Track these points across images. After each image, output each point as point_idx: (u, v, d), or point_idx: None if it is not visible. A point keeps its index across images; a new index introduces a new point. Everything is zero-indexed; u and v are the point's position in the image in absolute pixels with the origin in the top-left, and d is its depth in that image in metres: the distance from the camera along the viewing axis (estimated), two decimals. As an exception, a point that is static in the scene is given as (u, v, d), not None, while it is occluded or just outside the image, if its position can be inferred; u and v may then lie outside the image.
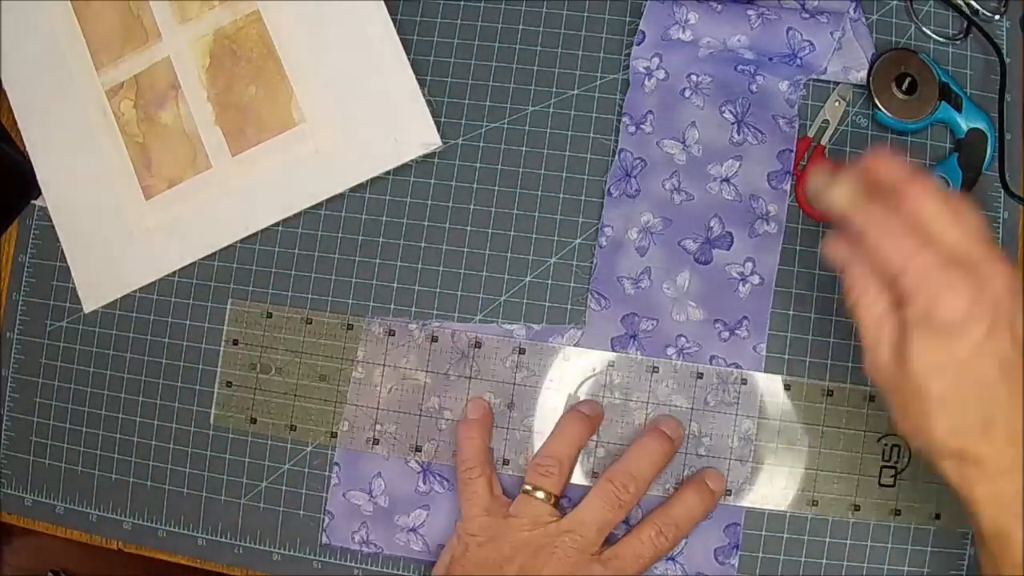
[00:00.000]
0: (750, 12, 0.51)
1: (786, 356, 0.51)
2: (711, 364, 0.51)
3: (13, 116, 0.57)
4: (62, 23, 0.56)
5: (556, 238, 0.53)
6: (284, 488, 0.54)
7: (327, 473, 0.53)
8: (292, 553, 0.53)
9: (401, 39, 0.53)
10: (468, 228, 0.54)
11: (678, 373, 0.51)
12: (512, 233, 0.53)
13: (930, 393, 0.38)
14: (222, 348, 0.55)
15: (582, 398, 0.52)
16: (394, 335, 0.53)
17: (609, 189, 0.53)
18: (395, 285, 0.54)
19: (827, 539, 0.50)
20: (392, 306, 0.54)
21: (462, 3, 0.55)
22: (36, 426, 0.56)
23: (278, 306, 0.54)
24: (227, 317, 0.55)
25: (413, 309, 0.53)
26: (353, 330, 0.53)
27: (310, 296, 0.54)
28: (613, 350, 0.52)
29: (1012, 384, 0.38)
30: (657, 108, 0.53)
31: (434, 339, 0.53)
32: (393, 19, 0.53)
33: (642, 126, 0.53)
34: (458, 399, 0.52)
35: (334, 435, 0.53)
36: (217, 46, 0.55)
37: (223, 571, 0.54)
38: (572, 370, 0.52)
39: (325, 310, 0.54)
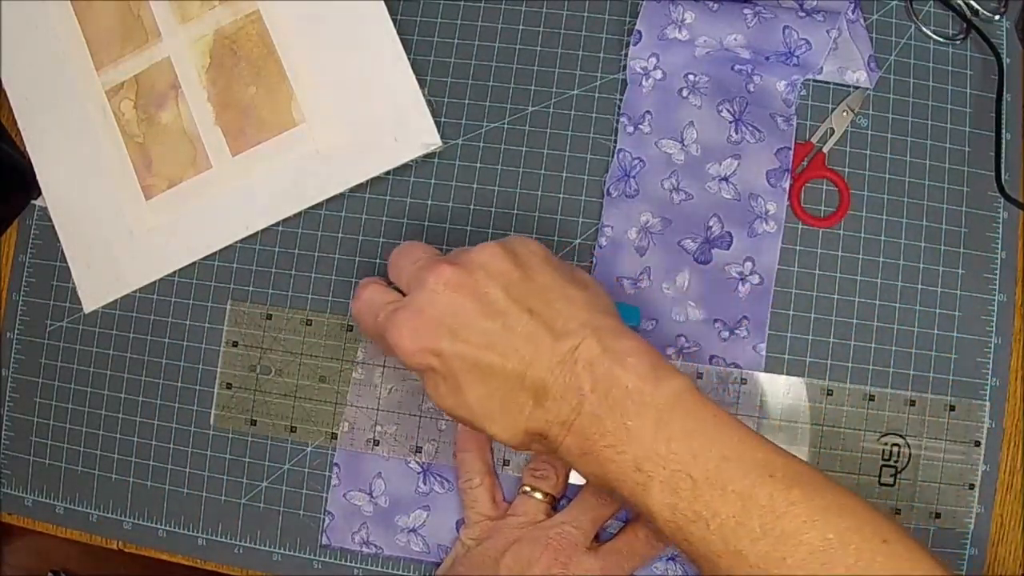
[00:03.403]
0: (746, 11, 0.51)
1: (786, 356, 0.51)
2: (711, 364, 0.51)
3: (13, 116, 0.57)
4: (62, 23, 0.56)
5: (556, 238, 0.53)
6: (284, 488, 0.54)
7: (327, 473, 0.53)
8: (292, 553, 0.53)
9: (401, 39, 0.53)
10: (468, 228, 0.54)
11: None
12: (512, 233, 0.53)
13: (459, 413, 0.41)
14: (222, 349, 0.55)
15: None
16: None
17: (608, 189, 0.53)
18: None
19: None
20: (392, 306, 0.54)
21: (462, 3, 0.55)
22: (36, 426, 0.56)
23: (278, 307, 0.54)
24: (227, 318, 0.55)
25: (413, 309, 0.53)
26: (353, 331, 0.53)
27: (310, 296, 0.54)
28: None
29: (511, 360, 0.39)
30: (655, 108, 0.53)
31: None
32: (393, 19, 0.53)
33: (640, 126, 0.53)
34: None
35: (334, 436, 0.53)
36: (217, 46, 0.55)
37: (223, 571, 0.54)
38: None
39: (325, 311, 0.54)
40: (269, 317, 0.54)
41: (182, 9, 0.55)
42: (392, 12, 0.53)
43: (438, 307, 0.40)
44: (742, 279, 0.51)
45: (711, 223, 0.52)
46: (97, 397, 0.56)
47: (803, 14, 0.51)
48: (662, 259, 0.52)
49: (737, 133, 0.52)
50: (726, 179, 0.52)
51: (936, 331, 0.51)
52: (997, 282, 0.51)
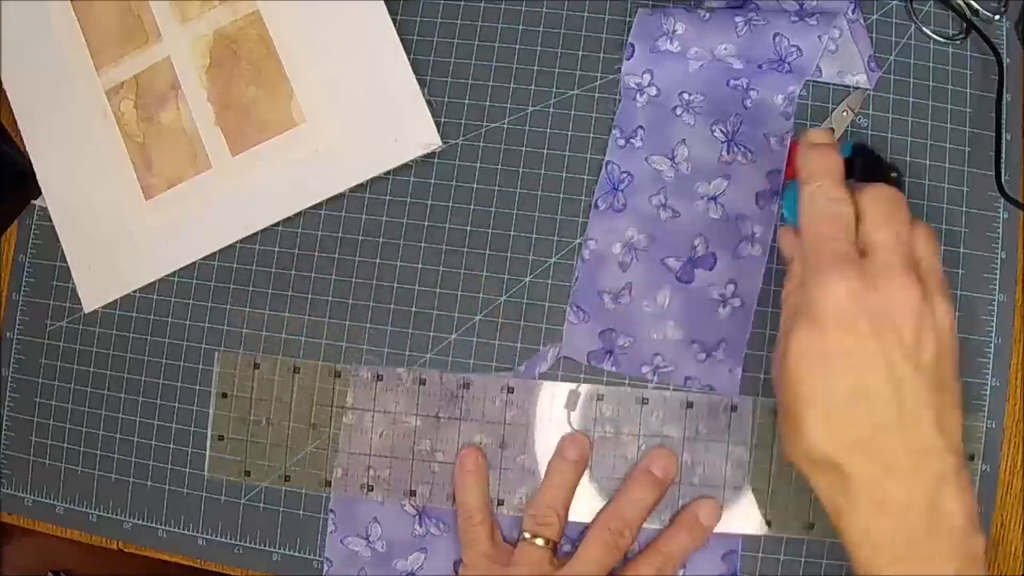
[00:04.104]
0: (737, 18, 0.51)
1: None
2: (686, 385, 0.51)
3: (13, 116, 0.57)
4: (62, 23, 0.56)
5: (556, 238, 0.53)
6: (284, 488, 0.54)
7: (321, 516, 0.53)
8: (292, 553, 0.53)
9: (401, 39, 0.53)
10: (468, 228, 0.54)
11: (668, 403, 0.51)
12: (512, 233, 0.53)
13: (801, 386, 0.37)
14: (212, 397, 0.54)
15: (575, 428, 0.52)
16: (382, 379, 0.53)
17: (596, 202, 0.52)
18: (395, 285, 0.54)
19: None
20: (392, 306, 0.54)
21: (462, 3, 0.55)
22: (36, 426, 0.56)
23: (267, 355, 0.54)
24: (215, 369, 0.54)
25: (413, 310, 0.53)
26: (341, 376, 0.53)
27: (309, 296, 0.54)
28: (589, 364, 0.52)
29: (899, 403, 0.37)
30: (648, 124, 0.52)
31: (422, 382, 0.52)
32: (393, 19, 0.53)
33: (632, 140, 0.52)
34: (450, 441, 0.52)
35: (328, 483, 0.53)
36: (217, 46, 0.55)
37: (223, 571, 0.54)
38: (562, 405, 0.52)
39: (317, 357, 0.54)
40: (257, 366, 0.54)
41: (182, 9, 0.55)
42: (392, 12, 0.53)
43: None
44: (723, 301, 0.51)
45: (696, 242, 0.51)
46: (97, 397, 0.56)
47: (795, 18, 0.51)
48: (644, 276, 0.52)
49: (729, 153, 0.52)
50: (714, 199, 0.52)
51: (936, 331, 0.51)
52: (997, 282, 0.51)
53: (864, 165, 0.43)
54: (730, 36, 0.51)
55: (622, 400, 0.51)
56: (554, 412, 0.52)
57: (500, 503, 0.51)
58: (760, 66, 0.51)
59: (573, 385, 0.52)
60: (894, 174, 0.44)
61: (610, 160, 0.52)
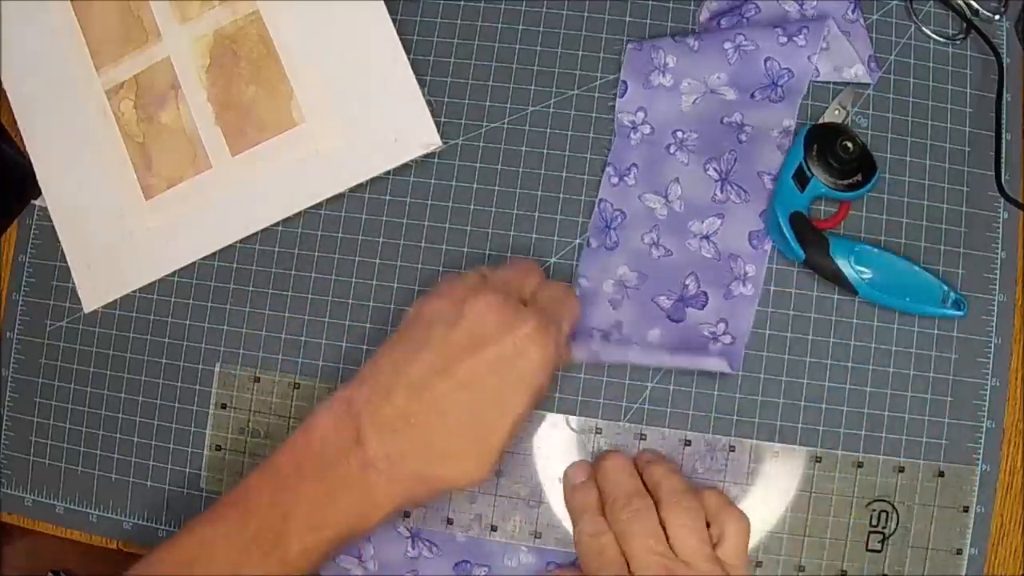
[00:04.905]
0: (727, 45, 0.51)
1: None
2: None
3: (13, 116, 0.57)
4: (62, 23, 0.56)
5: (556, 238, 0.53)
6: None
7: None
8: (292, 553, 0.53)
9: (401, 39, 0.53)
10: (468, 228, 0.54)
11: (666, 440, 0.51)
12: (512, 233, 0.53)
13: None
14: (211, 411, 0.54)
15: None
16: None
17: (588, 240, 0.52)
18: (395, 285, 0.54)
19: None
20: (392, 306, 0.54)
21: (462, 3, 0.55)
22: (36, 426, 0.56)
23: (266, 371, 0.54)
24: (215, 381, 0.54)
25: (413, 309, 0.53)
26: None
27: (309, 296, 0.54)
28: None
29: None
30: (641, 162, 0.52)
31: None
32: (393, 19, 0.53)
33: (625, 178, 0.52)
34: None
35: None
36: (217, 46, 0.55)
37: (223, 571, 0.54)
38: (561, 438, 0.52)
39: (314, 375, 0.54)
40: (257, 380, 0.54)
41: (182, 9, 0.55)
42: (392, 12, 0.53)
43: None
44: (714, 339, 0.51)
45: (687, 281, 0.51)
46: (97, 397, 0.56)
47: (784, 39, 0.50)
48: (635, 314, 0.51)
49: (722, 192, 0.52)
50: (707, 237, 0.51)
51: (936, 331, 0.51)
52: (997, 282, 0.51)
53: (820, 149, 0.49)
54: (722, 64, 0.51)
55: (620, 435, 0.51)
56: (552, 443, 0.52)
57: (494, 529, 0.51)
58: (753, 95, 0.51)
59: (571, 417, 0.52)
60: (848, 143, 0.49)
61: (603, 198, 0.52)
